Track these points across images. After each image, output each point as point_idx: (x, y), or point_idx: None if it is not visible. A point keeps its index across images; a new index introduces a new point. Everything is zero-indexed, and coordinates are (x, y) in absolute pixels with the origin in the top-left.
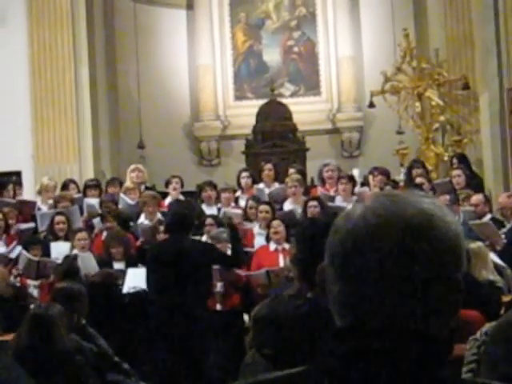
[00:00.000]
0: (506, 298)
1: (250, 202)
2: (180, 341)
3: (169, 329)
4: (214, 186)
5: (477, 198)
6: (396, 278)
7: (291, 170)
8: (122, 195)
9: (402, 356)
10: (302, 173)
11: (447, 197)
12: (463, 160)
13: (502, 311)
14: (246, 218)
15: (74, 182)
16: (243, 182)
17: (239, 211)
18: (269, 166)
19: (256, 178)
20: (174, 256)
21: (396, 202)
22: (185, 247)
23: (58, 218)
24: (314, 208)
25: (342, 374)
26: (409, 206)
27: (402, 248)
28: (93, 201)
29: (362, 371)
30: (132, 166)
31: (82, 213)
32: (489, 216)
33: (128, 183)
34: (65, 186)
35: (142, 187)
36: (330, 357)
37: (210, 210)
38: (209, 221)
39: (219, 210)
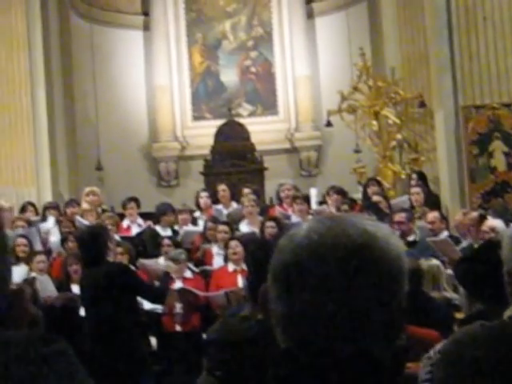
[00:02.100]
0: (459, 315)
1: (209, 224)
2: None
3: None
4: (173, 211)
5: (433, 215)
6: (338, 298)
7: (246, 190)
8: (78, 217)
9: (348, 377)
10: (257, 193)
11: (403, 214)
12: (422, 177)
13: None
14: (205, 238)
15: (32, 204)
16: (202, 202)
17: (198, 229)
18: (222, 186)
19: (214, 199)
20: (89, 287)
21: (339, 223)
22: (97, 276)
23: (20, 241)
24: (271, 228)
25: None
26: (352, 227)
27: (344, 268)
28: (50, 223)
29: None
30: (87, 190)
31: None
32: (445, 233)
33: (84, 205)
34: (23, 209)
35: (99, 209)
36: (274, 380)
37: (164, 232)
38: (166, 242)
39: (174, 231)
